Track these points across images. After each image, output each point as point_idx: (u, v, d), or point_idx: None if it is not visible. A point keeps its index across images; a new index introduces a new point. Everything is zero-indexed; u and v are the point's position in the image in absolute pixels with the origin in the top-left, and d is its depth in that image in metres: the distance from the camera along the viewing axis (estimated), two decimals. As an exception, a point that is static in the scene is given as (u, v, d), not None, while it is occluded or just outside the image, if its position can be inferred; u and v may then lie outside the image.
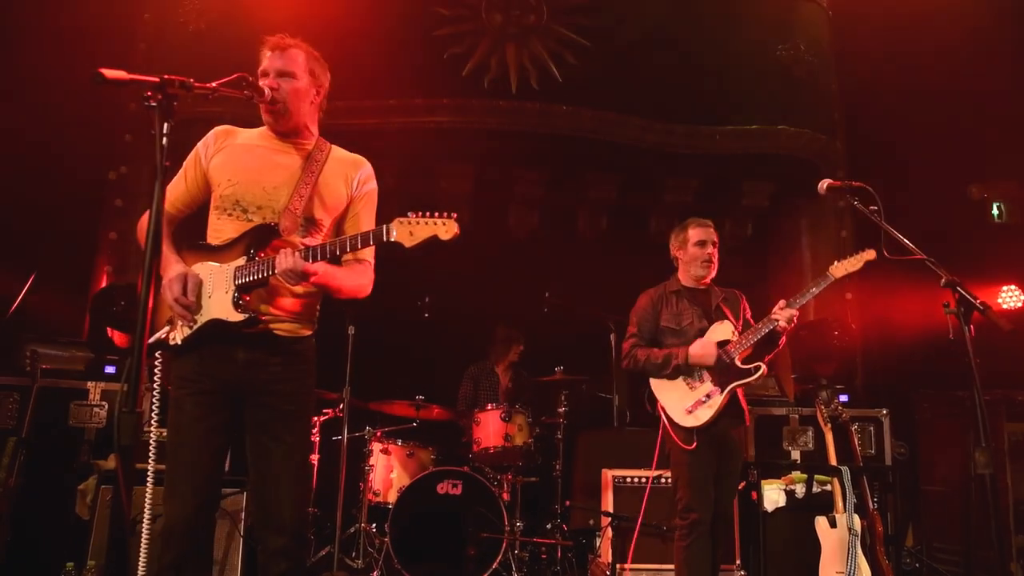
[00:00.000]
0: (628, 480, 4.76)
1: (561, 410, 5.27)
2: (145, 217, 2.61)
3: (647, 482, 4.69)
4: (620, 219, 7.04)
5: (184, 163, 2.71)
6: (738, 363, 3.81)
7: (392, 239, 2.39)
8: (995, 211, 5.92)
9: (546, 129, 6.18)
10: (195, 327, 2.51)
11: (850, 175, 6.36)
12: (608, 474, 4.80)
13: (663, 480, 4.69)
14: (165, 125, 1.91)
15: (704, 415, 3.77)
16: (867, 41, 6.30)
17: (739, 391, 3.88)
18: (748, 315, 4.15)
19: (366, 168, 2.82)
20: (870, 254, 3.67)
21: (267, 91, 2.53)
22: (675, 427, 3.85)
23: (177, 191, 2.68)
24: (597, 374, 5.82)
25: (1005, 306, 5.84)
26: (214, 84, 2.20)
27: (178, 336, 2.52)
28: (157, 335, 2.50)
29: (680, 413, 3.83)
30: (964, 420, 4.97)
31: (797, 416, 5.32)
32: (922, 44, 5.86)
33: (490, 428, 5.13)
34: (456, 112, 6.07)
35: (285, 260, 2.43)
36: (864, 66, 6.39)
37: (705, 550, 3.72)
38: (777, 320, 3.77)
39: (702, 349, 3.83)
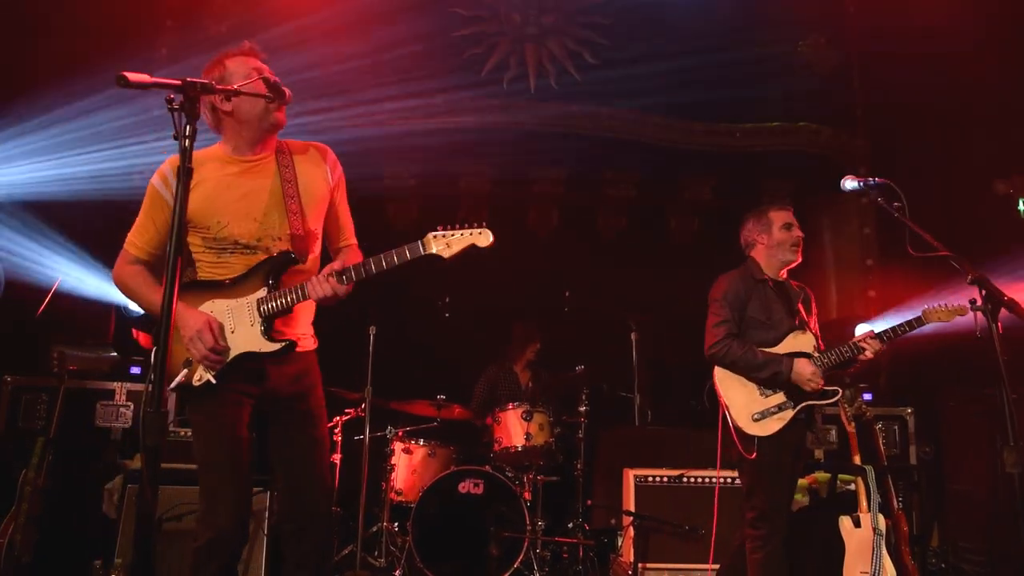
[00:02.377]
0: (650, 479, 4.75)
1: (582, 409, 5.26)
2: (118, 269, 2.64)
3: (678, 481, 4.68)
4: (639, 217, 7.03)
5: (144, 207, 2.63)
6: None
7: (430, 252, 2.51)
8: (1021, 206, 5.83)
9: (565, 128, 6.19)
10: (222, 365, 2.53)
11: (873, 171, 6.29)
12: (630, 473, 4.78)
13: (686, 479, 4.68)
14: (188, 128, 1.93)
15: (772, 427, 3.56)
16: (890, 35, 6.23)
17: None
18: (816, 318, 3.96)
19: (330, 153, 2.82)
20: (964, 309, 3.56)
21: (287, 92, 2.54)
22: (739, 432, 3.61)
23: (147, 237, 2.63)
24: (618, 373, 5.80)
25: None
26: (235, 86, 2.22)
27: (206, 375, 2.51)
28: (177, 380, 2.50)
29: (745, 418, 3.60)
30: (991, 418, 4.89)
31: (820, 415, 5.28)
32: (946, 38, 5.78)
33: (511, 427, 5.14)
34: (475, 112, 6.10)
35: (321, 288, 2.51)
36: (886, 61, 6.32)
37: (781, 564, 3.52)
38: (864, 350, 3.62)
39: (811, 375, 3.57)
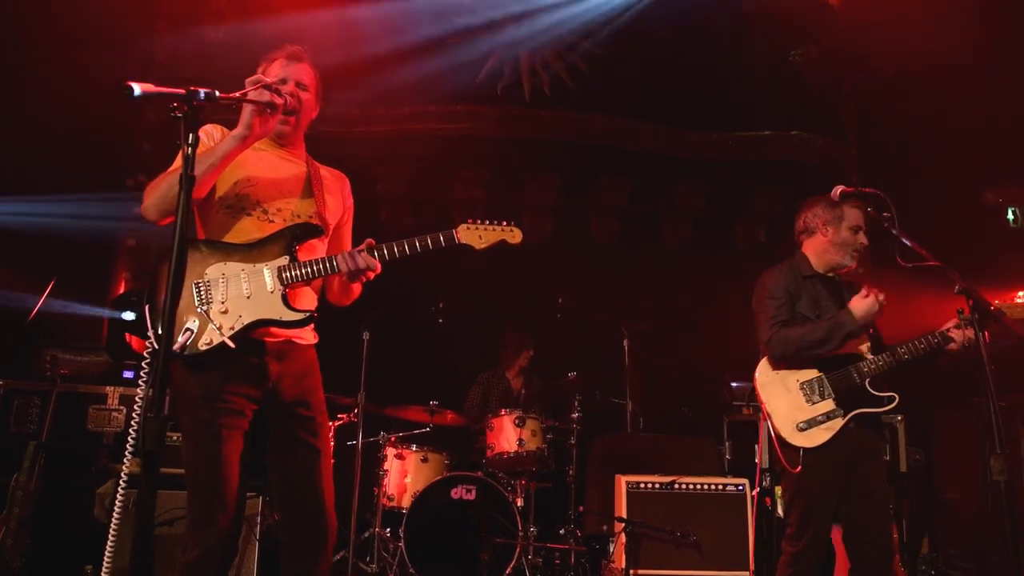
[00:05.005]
0: (642, 486, 4.76)
1: (574, 415, 5.28)
2: (156, 180, 2.46)
3: (669, 488, 4.70)
4: (632, 224, 7.07)
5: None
6: (868, 387, 3.32)
7: (462, 242, 2.58)
8: (1010, 216, 5.89)
9: (558, 136, 6.23)
10: (238, 328, 2.42)
11: (863, 180, 6.36)
12: (622, 479, 4.80)
13: (678, 486, 4.70)
14: (191, 136, 1.94)
15: (819, 437, 3.25)
16: (881, 46, 6.30)
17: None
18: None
19: (348, 183, 2.89)
20: None
21: (289, 99, 2.53)
22: (781, 443, 3.33)
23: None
24: (610, 379, 5.83)
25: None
26: (238, 94, 2.23)
27: (218, 337, 2.39)
28: (180, 342, 2.36)
29: (790, 428, 3.30)
30: (980, 426, 4.94)
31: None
32: (936, 48, 5.85)
33: (504, 433, 5.15)
34: (469, 119, 6.13)
35: (353, 260, 2.50)
36: (877, 71, 6.39)
37: None
38: (952, 339, 3.25)
39: (864, 304, 3.24)
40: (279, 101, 2.43)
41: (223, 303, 2.44)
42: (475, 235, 2.59)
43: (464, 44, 6.20)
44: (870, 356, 3.36)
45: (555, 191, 6.83)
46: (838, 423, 3.27)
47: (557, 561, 5.15)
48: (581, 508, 5.21)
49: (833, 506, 3.32)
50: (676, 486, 4.70)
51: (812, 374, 3.38)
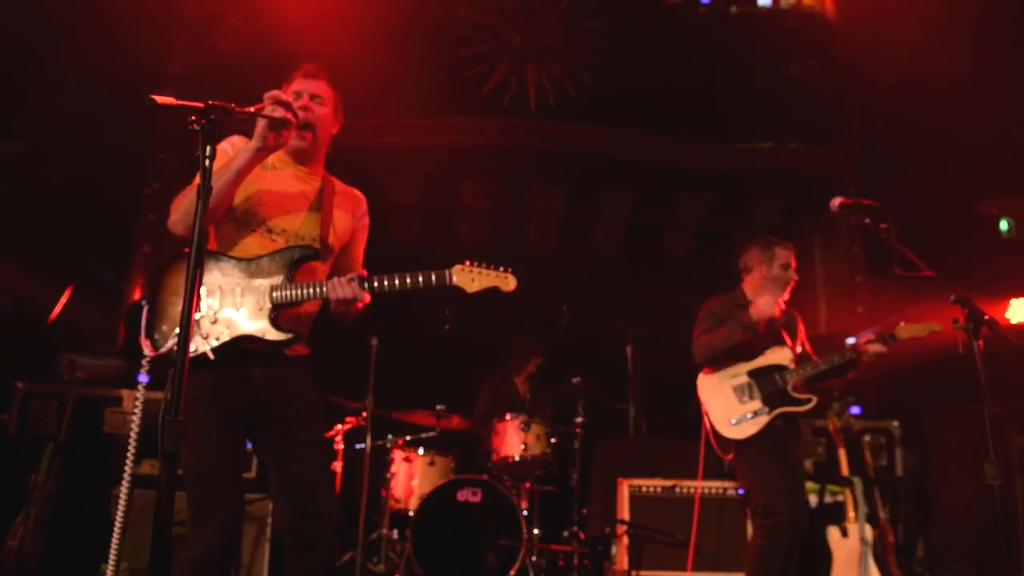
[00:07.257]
0: (644, 489, 4.84)
1: (578, 420, 5.34)
2: (181, 195, 2.51)
3: (671, 491, 4.78)
4: (636, 234, 7.15)
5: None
6: (790, 391, 3.89)
7: (453, 283, 2.56)
8: (1003, 226, 5.96)
9: (563, 147, 6.32)
10: (223, 340, 2.49)
11: (861, 191, 6.45)
12: (624, 483, 4.88)
13: (679, 490, 4.78)
14: (208, 148, 1.98)
15: (748, 430, 3.85)
16: (879, 59, 6.38)
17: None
18: (804, 336, 4.18)
19: (364, 203, 2.90)
20: (937, 326, 3.78)
21: (302, 113, 2.55)
22: (715, 434, 3.95)
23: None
24: (614, 385, 5.90)
25: (1014, 321, 5.85)
26: (252, 109, 2.28)
27: (202, 347, 2.45)
28: (168, 346, 2.43)
29: (723, 423, 3.91)
30: (974, 432, 5.00)
31: (810, 427, 5.37)
32: (934, 60, 5.93)
33: (509, 438, 5.21)
34: (477, 130, 6.23)
35: (342, 289, 2.50)
36: (876, 84, 6.47)
37: (783, 554, 3.68)
38: (863, 353, 3.81)
39: (762, 301, 3.83)
40: (291, 117, 2.44)
41: (214, 314, 2.51)
42: (468, 277, 2.58)
43: (472, 56, 6.32)
44: (793, 366, 3.93)
45: (560, 201, 6.92)
46: (764, 419, 3.85)
47: (560, 563, 5.20)
48: (584, 511, 5.27)
49: (786, 471, 3.81)
50: (677, 490, 4.79)
51: (743, 380, 3.96)
